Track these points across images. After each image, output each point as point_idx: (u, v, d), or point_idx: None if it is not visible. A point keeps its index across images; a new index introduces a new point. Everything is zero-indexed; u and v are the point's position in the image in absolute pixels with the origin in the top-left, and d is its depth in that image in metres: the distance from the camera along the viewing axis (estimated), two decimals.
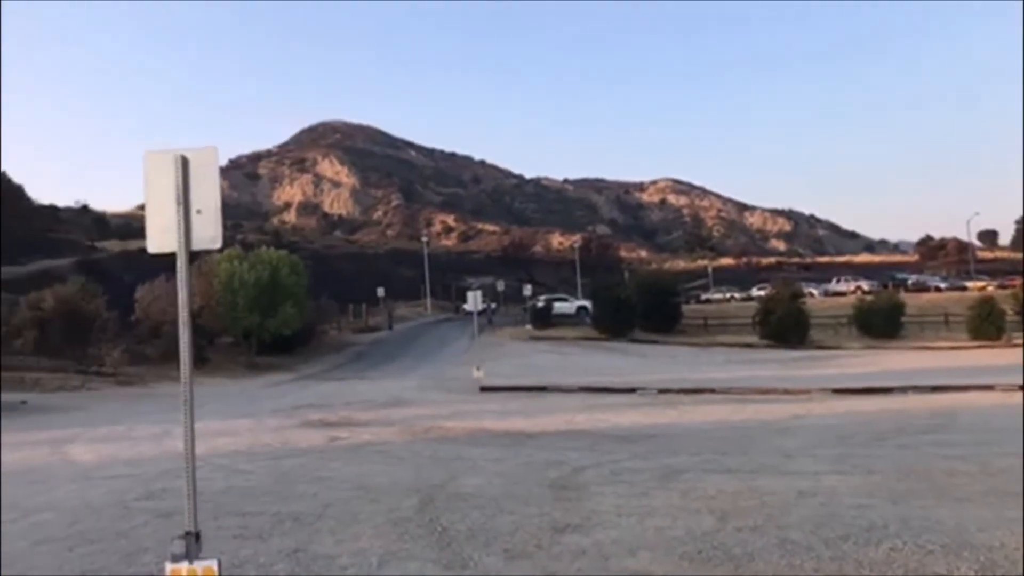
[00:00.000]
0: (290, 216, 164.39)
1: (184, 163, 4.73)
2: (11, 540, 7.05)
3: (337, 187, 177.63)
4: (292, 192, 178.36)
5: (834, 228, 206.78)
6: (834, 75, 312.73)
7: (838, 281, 68.84)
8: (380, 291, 62.98)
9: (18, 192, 62.50)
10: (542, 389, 22.63)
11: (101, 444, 13.90)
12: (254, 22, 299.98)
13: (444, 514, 7.36)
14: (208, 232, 4.76)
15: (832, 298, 59.59)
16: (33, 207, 71.23)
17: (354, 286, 66.63)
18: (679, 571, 5.48)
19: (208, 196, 4.77)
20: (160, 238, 4.78)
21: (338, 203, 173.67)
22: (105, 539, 7.00)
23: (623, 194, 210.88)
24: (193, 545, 4.34)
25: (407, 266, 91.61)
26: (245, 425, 15.58)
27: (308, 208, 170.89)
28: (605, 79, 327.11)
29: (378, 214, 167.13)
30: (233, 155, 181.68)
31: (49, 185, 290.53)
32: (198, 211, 4.74)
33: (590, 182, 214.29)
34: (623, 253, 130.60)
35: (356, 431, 14.35)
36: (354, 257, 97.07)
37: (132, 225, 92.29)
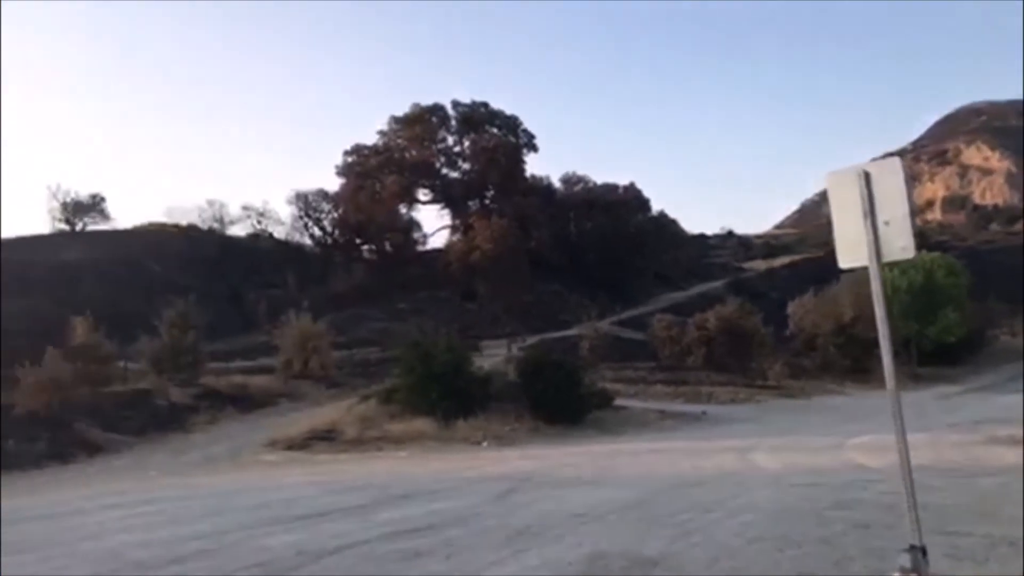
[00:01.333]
0: (933, 214, 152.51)
1: (867, 177, 4.78)
2: (725, 536, 7.88)
3: (987, 175, 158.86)
4: (934, 188, 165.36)
5: None
6: None
7: None
8: None
9: (673, 226, 70.93)
10: None
11: (780, 453, 14.71)
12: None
13: None
14: (898, 242, 4.72)
15: None
16: (687, 237, 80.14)
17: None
18: None
19: (895, 206, 4.73)
20: (849, 253, 4.91)
21: (990, 192, 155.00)
22: (808, 543, 7.32)
23: None
24: (920, 559, 4.27)
25: None
26: (922, 439, 14.78)
27: (955, 202, 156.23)
28: None
29: None
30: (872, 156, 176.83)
31: (698, 216, 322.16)
32: (885, 222, 4.72)
33: None
34: None
35: None
36: (1018, 251, 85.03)
37: (772, 244, 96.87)
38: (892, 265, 36.24)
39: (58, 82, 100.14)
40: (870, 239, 4.72)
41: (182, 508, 11.98)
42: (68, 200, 56.19)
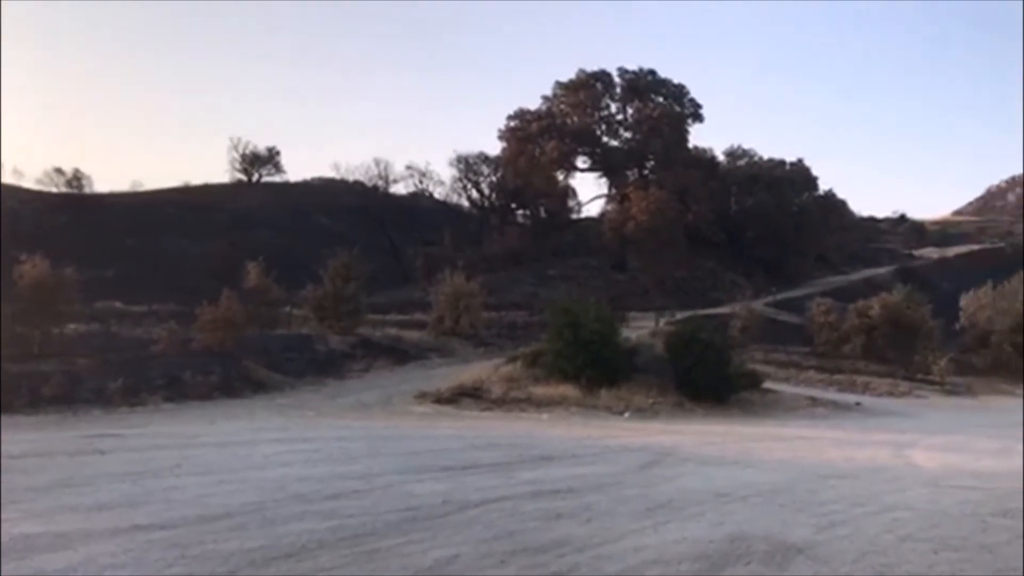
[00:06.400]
0: None
1: None
2: (875, 531, 7.55)
3: None
4: None
5: None
6: None
7: None
8: None
9: (841, 207, 67.35)
10: None
11: (940, 452, 13.92)
12: None
13: None
14: None
15: None
16: (855, 220, 76.00)
17: None
18: None
19: None
20: None
21: None
22: (967, 548, 6.94)
23: None
24: None
25: None
26: None
27: None
28: None
29: None
30: None
31: (868, 198, 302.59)
32: None
33: None
34: None
35: None
36: None
37: (948, 232, 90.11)
38: None
39: (243, 39, 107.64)
40: None
41: (337, 449, 12.77)
42: (247, 152, 60.08)
